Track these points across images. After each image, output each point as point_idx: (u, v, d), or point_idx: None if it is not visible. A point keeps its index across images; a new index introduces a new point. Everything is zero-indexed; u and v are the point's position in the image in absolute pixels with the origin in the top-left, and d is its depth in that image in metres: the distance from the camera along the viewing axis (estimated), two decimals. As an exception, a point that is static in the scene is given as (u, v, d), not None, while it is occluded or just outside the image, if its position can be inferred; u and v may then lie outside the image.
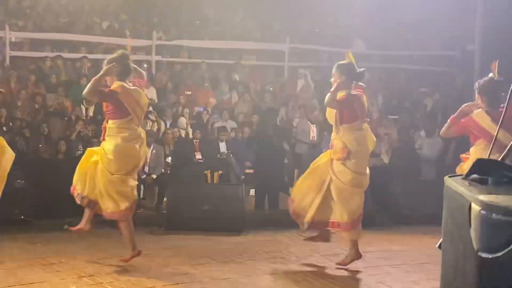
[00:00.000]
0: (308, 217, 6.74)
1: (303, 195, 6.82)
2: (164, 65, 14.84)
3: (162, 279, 6.17)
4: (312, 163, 6.90)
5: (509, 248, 2.09)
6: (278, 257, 6.98)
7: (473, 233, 2.26)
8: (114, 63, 6.38)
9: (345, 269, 6.69)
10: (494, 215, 2.16)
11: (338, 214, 6.63)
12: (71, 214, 8.69)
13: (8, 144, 9.86)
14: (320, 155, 6.93)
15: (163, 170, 10.80)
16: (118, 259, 6.62)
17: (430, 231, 7.71)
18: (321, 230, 6.97)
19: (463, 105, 6.16)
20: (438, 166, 11.79)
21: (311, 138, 12.56)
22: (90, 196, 6.49)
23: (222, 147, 11.83)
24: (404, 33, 16.74)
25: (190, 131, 12.27)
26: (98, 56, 14.40)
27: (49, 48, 14.40)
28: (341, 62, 6.66)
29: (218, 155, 11.71)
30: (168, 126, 12.27)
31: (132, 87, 6.43)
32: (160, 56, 14.96)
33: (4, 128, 11.13)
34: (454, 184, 2.59)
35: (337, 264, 6.78)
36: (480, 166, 2.65)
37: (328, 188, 6.66)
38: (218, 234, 8.28)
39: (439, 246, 2.99)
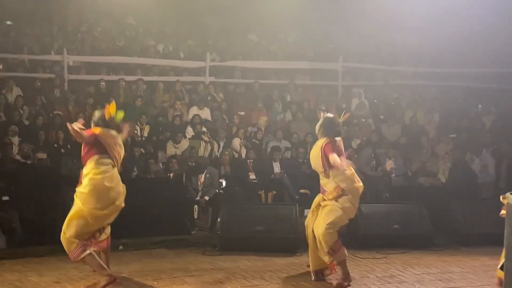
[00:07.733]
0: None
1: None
2: (218, 86, 14.92)
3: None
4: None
5: None
6: (334, 278, 6.88)
7: (538, 253, 2.14)
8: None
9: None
10: (560, 234, 2.04)
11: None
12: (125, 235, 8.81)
13: (64, 166, 10.03)
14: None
15: (217, 191, 10.80)
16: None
17: (490, 252, 7.48)
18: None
19: None
20: (496, 185, 11.48)
21: (366, 158, 12.35)
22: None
23: (276, 167, 11.77)
24: (460, 50, 16.48)
25: (243, 151, 12.25)
26: (154, 78, 14.65)
27: (105, 71, 14.66)
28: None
29: (272, 175, 11.66)
30: (222, 146, 12.30)
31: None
32: (214, 77, 15.07)
33: (62, 150, 11.35)
34: (517, 202, 2.47)
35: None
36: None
37: None
38: (272, 255, 8.21)
39: (501, 268, 2.86)
